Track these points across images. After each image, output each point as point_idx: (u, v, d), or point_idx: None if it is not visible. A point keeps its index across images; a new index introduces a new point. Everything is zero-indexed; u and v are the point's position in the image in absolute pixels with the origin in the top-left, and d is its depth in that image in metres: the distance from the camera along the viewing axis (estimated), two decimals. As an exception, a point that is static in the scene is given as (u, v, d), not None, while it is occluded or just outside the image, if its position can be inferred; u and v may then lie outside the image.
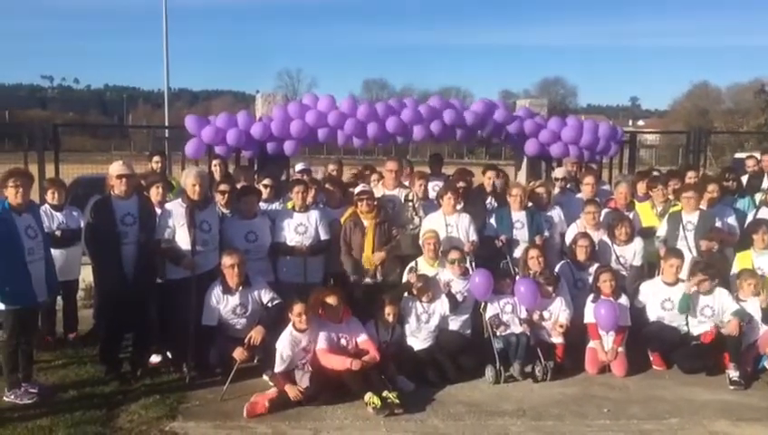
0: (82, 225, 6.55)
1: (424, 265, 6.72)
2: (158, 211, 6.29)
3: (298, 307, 5.62)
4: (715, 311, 6.55)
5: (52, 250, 6.01)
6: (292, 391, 5.38)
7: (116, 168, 5.90)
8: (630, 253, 7.07)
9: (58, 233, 6.71)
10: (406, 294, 6.49)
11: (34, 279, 5.39)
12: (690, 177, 7.99)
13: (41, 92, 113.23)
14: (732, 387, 6.12)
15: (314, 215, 6.78)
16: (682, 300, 6.52)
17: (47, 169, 8.65)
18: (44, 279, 5.57)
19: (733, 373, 6.20)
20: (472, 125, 8.40)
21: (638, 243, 7.08)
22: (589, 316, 6.58)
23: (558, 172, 8.27)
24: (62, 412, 5.23)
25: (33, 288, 5.40)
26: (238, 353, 5.79)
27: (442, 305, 6.41)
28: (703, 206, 7.27)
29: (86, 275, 7.38)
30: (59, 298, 7.06)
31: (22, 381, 5.53)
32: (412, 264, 6.77)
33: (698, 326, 6.62)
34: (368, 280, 6.74)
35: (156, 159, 8.00)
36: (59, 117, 56.27)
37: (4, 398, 5.46)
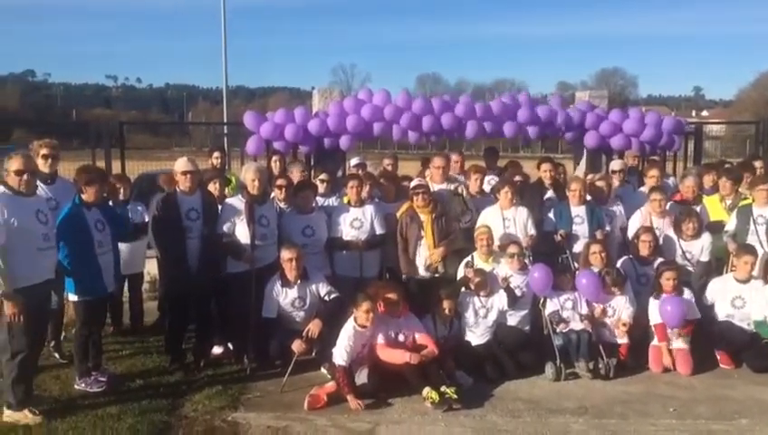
0: (146, 219, 6.75)
1: (478, 261, 6.65)
2: (219, 206, 6.42)
3: (367, 304, 5.61)
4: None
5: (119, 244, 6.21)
6: (353, 403, 5.38)
7: (181, 164, 6.07)
8: (698, 248, 6.83)
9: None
10: (463, 288, 6.45)
11: (104, 271, 5.59)
12: (758, 167, 7.66)
13: (105, 92, 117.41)
14: None
15: (370, 209, 6.80)
16: (763, 327, 6.26)
17: (113, 165, 8.94)
18: (113, 271, 5.77)
19: None
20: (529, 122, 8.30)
21: (705, 238, 6.83)
22: (654, 317, 6.38)
23: (615, 164, 8.06)
24: (129, 401, 5.42)
25: (103, 280, 5.60)
26: (296, 346, 5.87)
27: (500, 300, 6.35)
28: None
29: (150, 268, 7.63)
30: (125, 290, 7.30)
31: (92, 369, 5.75)
32: (468, 259, 6.71)
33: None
34: (424, 274, 6.72)
35: (216, 155, 8.16)
36: (122, 115, 58.36)
37: (75, 386, 5.69)
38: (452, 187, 7.34)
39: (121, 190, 7.11)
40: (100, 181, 5.73)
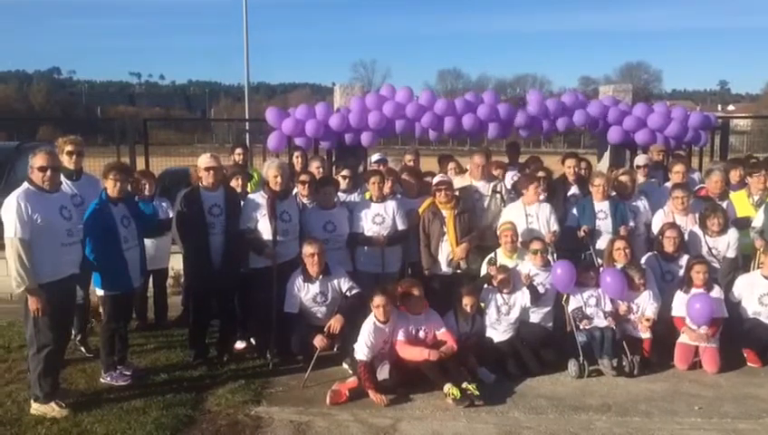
0: (171, 215, 6.82)
1: (502, 258, 6.62)
2: (241, 202, 6.46)
3: (378, 299, 5.65)
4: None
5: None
6: (376, 398, 5.40)
7: (204, 160, 6.12)
8: (724, 244, 6.72)
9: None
10: (486, 285, 6.42)
11: (130, 266, 5.65)
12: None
13: (129, 89, 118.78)
14: None
15: (391, 205, 6.79)
16: None
17: (138, 161, 9.06)
18: (139, 266, 5.84)
19: None
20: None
21: (732, 234, 6.72)
22: (677, 309, 6.32)
23: (640, 159, 7.96)
24: (153, 395, 5.48)
25: (129, 275, 5.66)
26: (318, 341, 5.90)
27: (523, 297, 6.31)
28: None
29: (174, 264, 7.71)
30: (150, 286, 7.39)
31: (117, 363, 5.83)
32: (491, 255, 6.68)
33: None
34: (447, 270, 6.70)
35: (238, 151, 8.22)
36: (146, 112, 58.96)
37: (101, 380, 5.77)
38: (491, 184, 7.29)
39: (147, 186, 7.18)
40: (125, 177, 5.78)
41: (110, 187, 5.60)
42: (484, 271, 6.59)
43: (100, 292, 5.68)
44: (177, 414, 5.11)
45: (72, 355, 6.21)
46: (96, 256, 5.45)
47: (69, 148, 5.95)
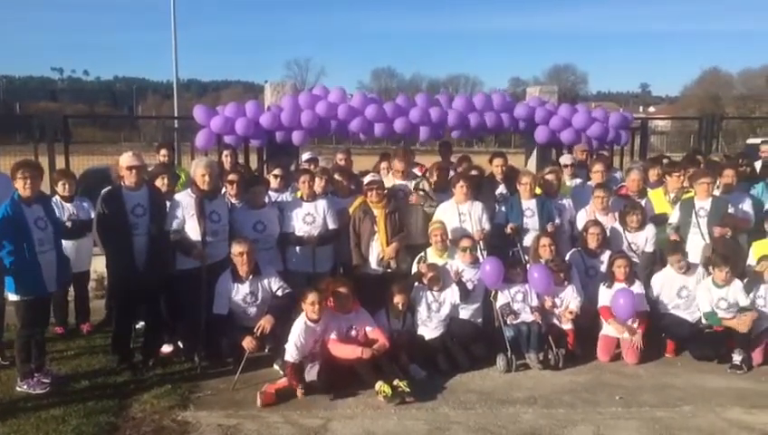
0: (93, 216, 6.57)
1: (432, 256, 6.70)
2: (167, 202, 6.28)
3: (312, 296, 5.61)
4: (730, 303, 6.46)
5: (63, 242, 6.03)
6: (299, 391, 5.40)
7: (126, 159, 5.90)
8: (642, 239, 7.00)
9: (68, 224, 6.71)
10: (417, 283, 6.48)
11: (45, 270, 5.41)
12: (700, 161, 7.92)
13: (51, 85, 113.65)
14: (729, 371, 6.16)
15: (322, 204, 6.76)
16: (712, 317, 6.46)
17: (57, 160, 8.68)
18: (55, 270, 5.59)
19: (736, 358, 6.21)
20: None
21: (649, 229, 7.03)
22: (602, 300, 6.56)
23: (565, 159, 8.22)
24: (74, 402, 5.26)
25: (43, 279, 5.42)
26: (247, 343, 5.80)
27: (453, 294, 6.40)
28: (717, 192, 7.19)
29: (97, 266, 7.43)
30: (70, 289, 7.10)
31: (35, 371, 5.57)
32: (421, 254, 6.75)
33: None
34: (377, 269, 6.73)
35: (163, 152, 7.98)
36: (69, 109, 56.40)
37: (17, 388, 5.50)
38: (413, 183, 7.36)
39: (66, 186, 6.90)
40: (35, 173, 5.49)
41: (21, 186, 5.34)
42: (415, 269, 6.65)
43: (13, 297, 5.41)
44: (98, 422, 4.93)
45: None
46: (7, 259, 5.18)
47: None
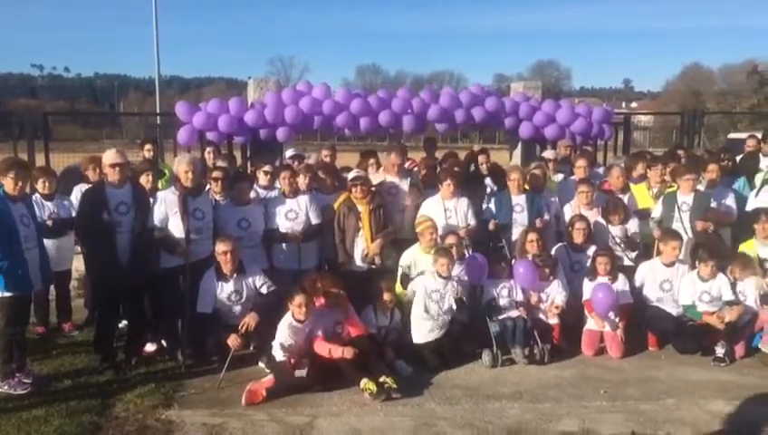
0: (74, 214, 6.47)
1: (420, 253, 6.63)
2: (151, 199, 6.22)
3: (299, 298, 5.58)
4: (713, 297, 6.53)
5: (45, 240, 5.94)
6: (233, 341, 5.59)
7: (109, 156, 5.82)
8: (625, 233, 7.05)
9: (49, 223, 6.61)
10: (427, 273, 6.37)
11: (30, 267, 5.35)
12: (682, 156, 7.98)
13: (31, 81, 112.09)
14: (713, 363, 6.22)
15: (304, 199, 6.72)
16: (691, 310, 6.52)
17: (37, 158, 8.57)
18: (39, 268, 5.53)
19: (719, 350, 6.26)
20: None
21: (632, 224, 7.09)
22: (586, 294, 6.60)
23: (547, 154, 8.25)
24: (56, 402, 5.19)
25: (29, 275, 5.35)
26: (232, 340, 5.76)
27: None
28: (701, 186, 7.25)
29: (79, 265, 7.33)
30: (51, 288, 7.00)
31: (16, 371, 5.49)
32: (405, 269, 6.60)
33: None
34: (362, 266, 6.70)
35: (148, 147, 7.93)
36: (49, 106, 55.80)
37: (-1, 388, 5.42)
38: (408, 179, 7.35)
39: (46, 184, 6.80)
40: (25, 174, 5.46)
41: (10, 185, 5.29)
42: (403, 262, 6.61)
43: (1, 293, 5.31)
44: (81, 422, 4.86)
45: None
46: (-2, 255, 5.11)
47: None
